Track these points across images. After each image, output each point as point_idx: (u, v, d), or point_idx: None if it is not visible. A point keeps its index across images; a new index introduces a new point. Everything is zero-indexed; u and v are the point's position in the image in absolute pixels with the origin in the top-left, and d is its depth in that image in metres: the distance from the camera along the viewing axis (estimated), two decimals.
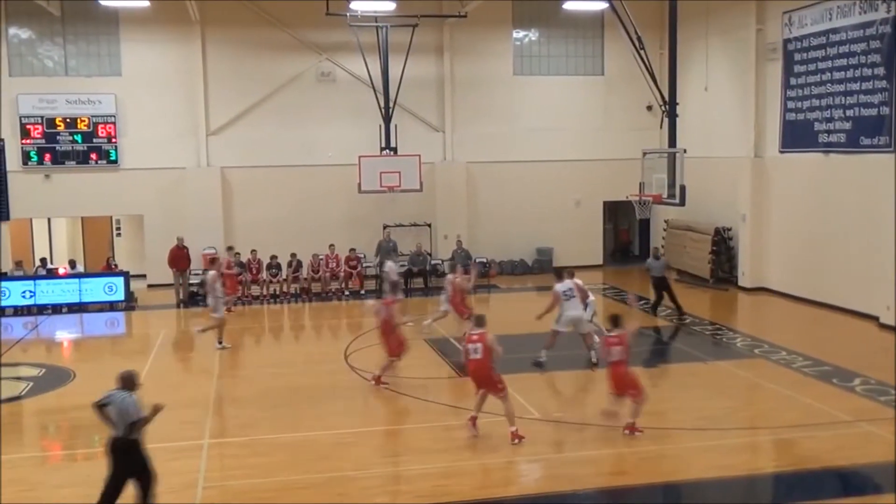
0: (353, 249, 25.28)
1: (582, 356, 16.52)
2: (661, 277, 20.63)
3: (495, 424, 12.75)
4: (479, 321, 12.64)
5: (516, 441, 11.92)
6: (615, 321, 12.65)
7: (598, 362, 16.08)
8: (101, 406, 9.44)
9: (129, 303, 23.40)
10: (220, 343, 18.47)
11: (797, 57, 22.21)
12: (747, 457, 11.68)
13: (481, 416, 12.72)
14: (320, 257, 24.95)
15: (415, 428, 12.97)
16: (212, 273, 19.01)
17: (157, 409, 9.50)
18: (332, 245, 25.09)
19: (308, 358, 18.06)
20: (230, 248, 22.88)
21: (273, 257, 24.51)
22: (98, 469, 11.47)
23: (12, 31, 25.27)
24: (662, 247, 27.86)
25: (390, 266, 20.59)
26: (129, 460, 9.38)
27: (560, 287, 16.13)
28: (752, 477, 11.07)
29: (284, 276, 24.61)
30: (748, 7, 23.60)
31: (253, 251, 24.43)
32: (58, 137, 25.42)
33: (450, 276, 18.93)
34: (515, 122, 28.13)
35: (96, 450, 12.41)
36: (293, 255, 24.68)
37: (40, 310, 22.78)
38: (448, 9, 26.56)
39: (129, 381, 9.54)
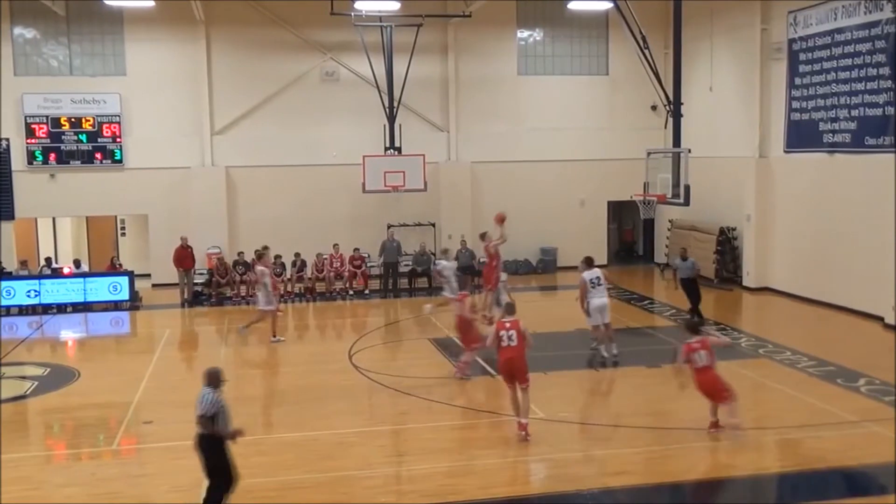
0: (356, 249, 25.30)
1: (585, 356, 16.55)
2: (687, 279, 19.97)
3: (501, 424, 12.77)
4: (511, 308, 12.71)
5: (523, 433, 11.93)
6: (693, 328, 12.51)
7: (607, 358, 16.12)
8: None
9: (134, 302, 23.42)
10: (244, 328, 19.37)
11: (802, 57, 22.17)
12: (752, 457, 11.64)
13: (487, 415, 12.75)
14: (324, 257, 24.97)
15: (419, 427, 12.96)
16: (260, 268, 19.45)
17: (235, 433, 9.61)
18: (336, 244, 25.12)
19: (312, 358, 18.07)
20: (266, 248, 22.57)
21: (277, 257, 24.46)
22: (102, 468, 11.55)
23: (17, 30, 25.31)
24: (667, 247, 27.90)
25: (444, 264, 20.45)
26: (208, 456, 9.45)
27: (587, 275, 16.36)
28: (756, 477, 11.05)
29: (289, 276, 24.62)
30: (753, 7, 23.56)
31: (256, 251, 24.42)
32: (62, 137, 25.45)
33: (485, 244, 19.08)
34: (520, 122, 28.12)
35: (101, 449, 12.48)
36: (297, 255, 24.69)
37: (45, 309, 22.82)
38: (452, 8, 26.58)
39: (213, 378, 9.59)
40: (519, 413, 12.28)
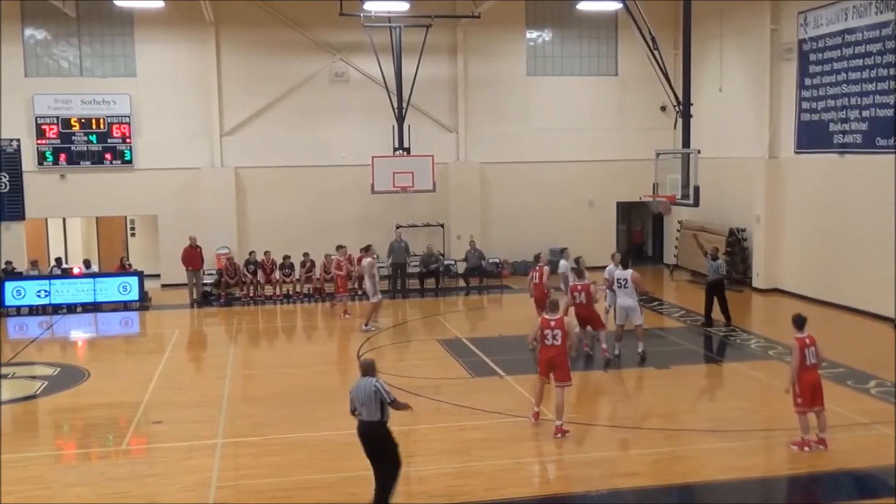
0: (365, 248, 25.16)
1: (593, 357, 16.55)
2: (710, 280, 19.66)
3: (508, 425, 12.76)
4: (555, 306, 12.67)
5: (559, 436, 12.08)
6: (799, 323, 11.80)
7: (645, 356, 16.32)
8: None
9: (143, 302, 23.48)
10: (367, 325, 19.82)
11: (812, 57, 22.10)
12: (762, 459, 11.61)
13: (496, 415, 12.72)
14: (333, 258, 24.89)
15: (427, 428, 12.94)
16: (368, 260, 20.08)
17: (407, 407, 10.13)
18: (343, 246, 24.93)
19: (321, 358, 18.08)
20: (341, 248, 22.48)
21: (286, 257, 24.55)
22: (111, 468, 11.58)
23: (28, 31, 25.42)
24: (677, 247, 27.83)
25: (564, 265, 20.22)
26: (376, 443, 9.72)
27: (618, 274, 16.70)
28: (767, 479, 11.02)
29: (297, 277, 24.62)
30: (763, 7, 23.49)
31: (266, 252, 24.50)
32: (73, 138, 25.55)
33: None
34: (529, 123, 28.11)
35: (110, 449, 12.51)
36: (306, 255, 24.66)
37: (55, 309, 22.89)
38: (461, 9, 26.57)
39: (372, 368, 9.97)
40: (539, 404, 12.67)
